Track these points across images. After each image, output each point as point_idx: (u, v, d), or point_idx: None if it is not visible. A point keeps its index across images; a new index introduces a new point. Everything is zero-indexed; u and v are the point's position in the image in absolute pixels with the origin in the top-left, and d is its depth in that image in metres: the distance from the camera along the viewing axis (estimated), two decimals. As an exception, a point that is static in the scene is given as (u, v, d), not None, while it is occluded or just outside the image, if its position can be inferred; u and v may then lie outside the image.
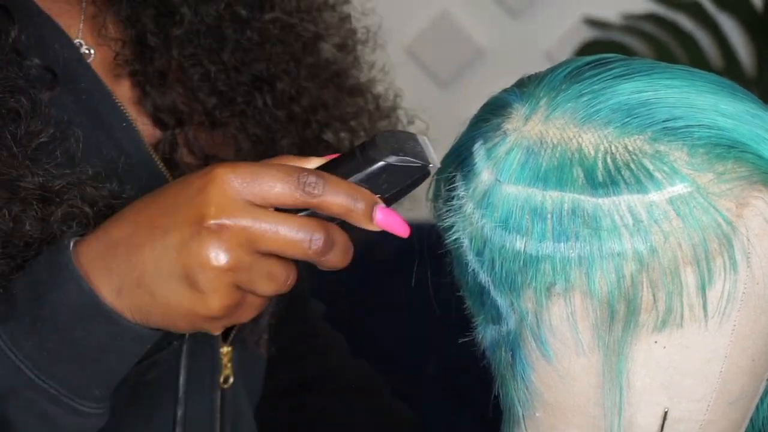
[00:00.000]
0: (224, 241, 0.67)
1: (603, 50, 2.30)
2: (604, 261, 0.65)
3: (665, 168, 0.65)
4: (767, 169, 0.65)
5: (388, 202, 0.70)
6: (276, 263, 0.69)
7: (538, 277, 0.66)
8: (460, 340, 0.74)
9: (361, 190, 0.68)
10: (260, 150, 0.92)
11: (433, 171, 0.69)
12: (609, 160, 0.65)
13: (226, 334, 0.92)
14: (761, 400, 0.71)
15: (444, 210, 0.71)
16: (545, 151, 0.67)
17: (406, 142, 0.69)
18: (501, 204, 0.67)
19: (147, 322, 0.71)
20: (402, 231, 0.70)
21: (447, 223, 0.71)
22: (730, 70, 2.15)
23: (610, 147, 0.65)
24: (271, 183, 0.67)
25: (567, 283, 0.66)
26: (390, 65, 1.18)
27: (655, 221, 0.64)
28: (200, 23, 0.90)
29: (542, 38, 2.23)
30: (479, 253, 0.69)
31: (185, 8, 0.89)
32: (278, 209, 0.68)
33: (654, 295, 0.65)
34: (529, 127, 0.68)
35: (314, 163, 0.70)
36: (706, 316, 0.65)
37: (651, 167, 0.65)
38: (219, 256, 0.67)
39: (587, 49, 2.17)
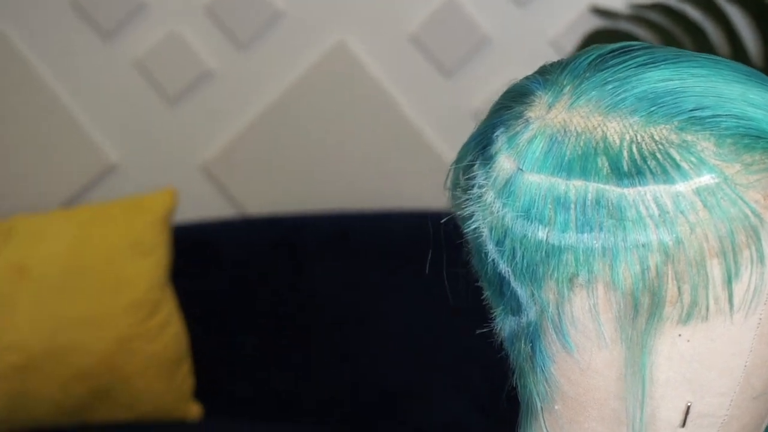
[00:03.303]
0: None
1: (609, 39, 2.31)
2: (628, 252, 0.64)
3: (692, 158, 0.63)
4: None
5: None
6: None
7: (561, 268, 0.65)
8: (478, 331, 0.73)
9: None
10: None
11: None
12: (635, 149, 0.64)
13: None
14: (784, 395, 0.70)
15: (463, 199, 0.70)
16: (569, 139, 0.65)
17: None
18: (523, 193, 0.66)
19: None
20: None
21: (466, 213, 0.70)
22: (737, 61, 2.14)
23: (636, 136, 0.64)
24: None
25: (590, 274, 0.65)
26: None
27: (681, 212, 0.63)
28: None
29: (548, 27, 2.21)
30: (499, 243, 0.68)
31: None
32: None
33: (679, 288, 0.64)
34: (552, 115, 0.67)
35: None
36: (731, 309, 0.64)
37: (678, 157, 0.63)
38: None
39: (593, 38, 2.16)
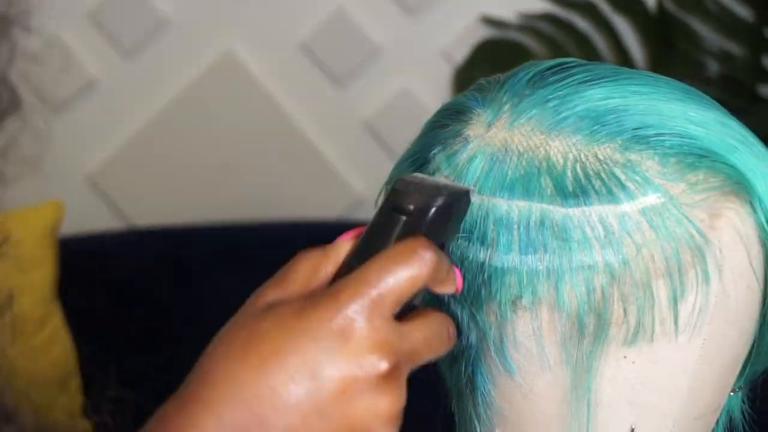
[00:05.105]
0: (399, 381, 0.58)
1: (500, 49, 2.32)
2: (573, 274, 0.63)
3: (637, 177, 0.63)
4: (738, 179, 0.64)
5: (449, 242, 0.64)
6: None
7: (503, 291, 0.64)
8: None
9: (444, 255, 0.62)
10: None
11: (473, 193, 0.64)
12: (579, 169, 0.63)
13: None
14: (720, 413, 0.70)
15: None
16: (510, 159, 0.64)
17: (427, 182, 0.64)
18: None
19: None
20: (460, 286, 0.64)
21: (402, 233, 0.68)
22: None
23: (580, 155, 0.63)
24: (407, 288, 0.59)
25: (534, 296, 0.63)
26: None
27: (627, 233, 0.62)
28: None
29: (439, 36, 2.21)
30: None
31: None
32: None
33: (625, 309, 0.63)
34: (492, 134, 0.65)
35: (344, 247, 0.62)
36: (676, 330, 0.64)
37: (623, 177, 0.63)
38: (397, 400, 0.58)
39: (484, 47, 2.17)
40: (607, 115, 0.64)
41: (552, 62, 0.68)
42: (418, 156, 0.68)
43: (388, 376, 0.58)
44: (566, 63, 0.68)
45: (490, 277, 0.64)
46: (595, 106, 0.64)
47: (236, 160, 2.26)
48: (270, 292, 0.63)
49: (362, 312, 0.58)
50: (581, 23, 2.18)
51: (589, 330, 0.63)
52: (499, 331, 0.65)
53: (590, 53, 2.18)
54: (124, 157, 2.27)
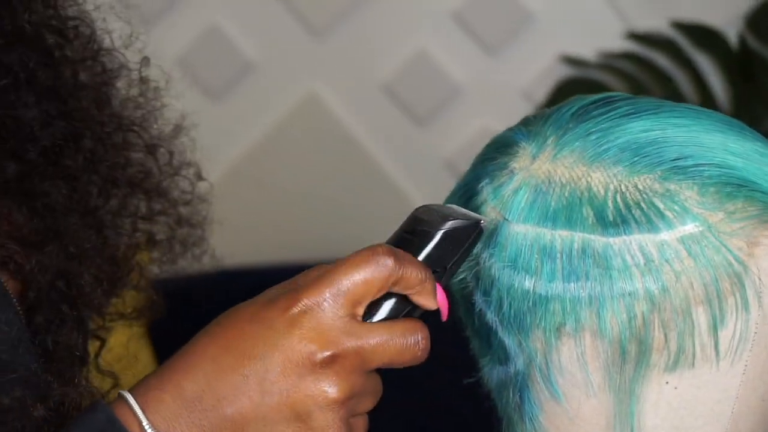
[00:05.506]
0: (339, 372, 0.63)
1: (580, 88, 2.33)
2: (615, 301, 0.65)
3: (676, 207, 0.64)
4: None
5: (455, 267, 0.67)
6: (376, 376, 0.65)
7: (548, 317, 0.66)
8: (465, 381, 0.73)
9: (426, 267, 0.65)
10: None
11: (485, 225, 0.67)
12: (619, 199, 0.65)
13: None
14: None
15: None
16: (554, 190, 0.66)
17: (445, 209, 0.68)
18: (509, 243, 0.67)
19: None
20: (445, 313, 0.67)
21: (453, 263, 0.70)
22: (709, 109, 2.16)
23: (620, 186, 0.65)
24: (362, 290, 0.64)
25: (577, 323, 0.65)
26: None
27: (666, 261, 0.64)
28: None
29: (519, 76, 2.23)
30: (486, 293, 0.68)
31: None
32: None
33: (665, 335, 0.64)
34: (536, 166, 0.68)
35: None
36: (717, 356, 0.65)
37: (662, 206, 0.65)
38: (337, 389, 0.63)
39: (564, 87, 2.18)
40: (647, 146, 0.66)
41: (597, 96, 0.70)
42: (468, 188, 0.71)
43: (328, 366, 0.63)
44: (611, 97, 0.70)
45: (534, 305, 0.66)
46: (636, 138, 0.66)
47: (320, 199, 2.30)
48: (276, 290, 0.67)
49: (314, 307, 0.63)
50: (662, 60, 2.19)
51: (631, 356, 0.65)
52: (545, 358, 0.67)
53: (671, 91, 2.18)
54: (211, 197, 2.32)
